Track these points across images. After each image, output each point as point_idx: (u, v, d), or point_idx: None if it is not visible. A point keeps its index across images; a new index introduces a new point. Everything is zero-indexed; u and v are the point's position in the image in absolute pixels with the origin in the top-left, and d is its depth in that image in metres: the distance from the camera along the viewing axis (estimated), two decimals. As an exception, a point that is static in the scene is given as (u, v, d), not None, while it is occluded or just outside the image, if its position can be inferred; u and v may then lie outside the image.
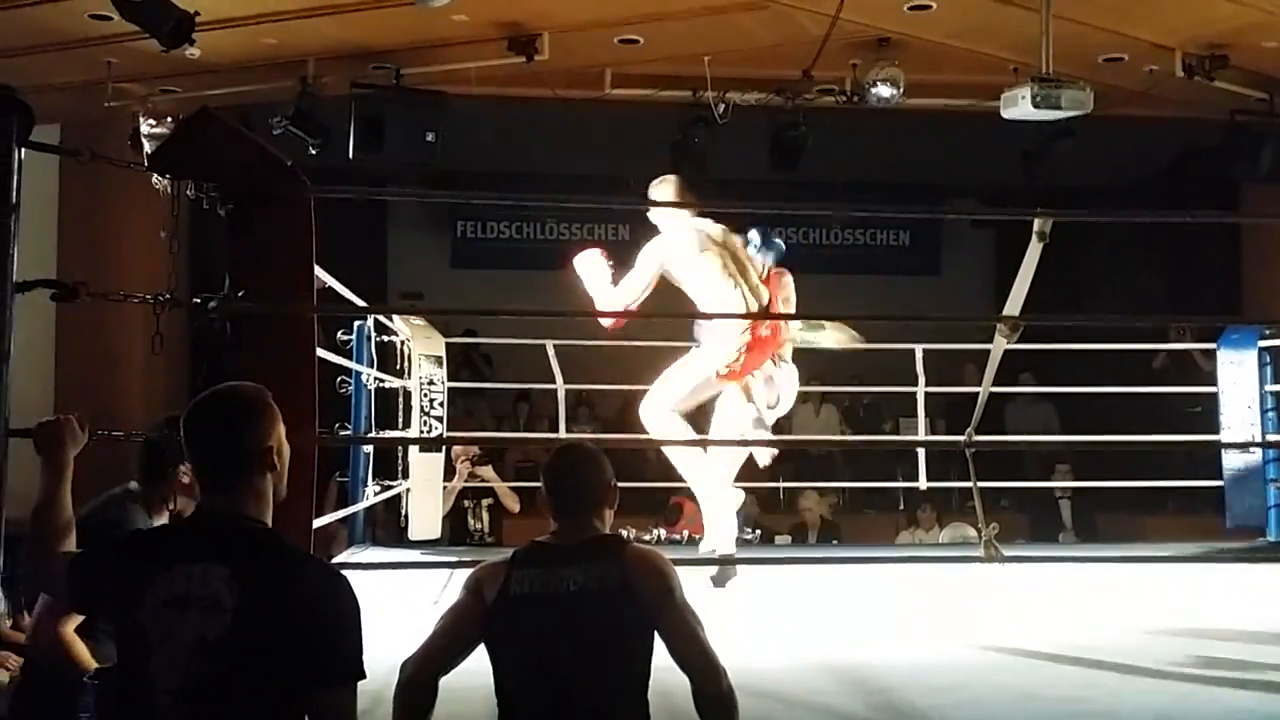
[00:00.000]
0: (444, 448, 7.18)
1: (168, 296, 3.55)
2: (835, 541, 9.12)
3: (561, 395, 7.78)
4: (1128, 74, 8.55)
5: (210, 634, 2.08)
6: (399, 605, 4.46)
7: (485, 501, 7.75)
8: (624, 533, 4.63)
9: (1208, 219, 7.80)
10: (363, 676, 2.15)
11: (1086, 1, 7.30)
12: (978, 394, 4.86)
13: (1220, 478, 7.51)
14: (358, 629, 2.17)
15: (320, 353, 5.39)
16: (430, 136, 8.10)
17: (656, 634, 2.54)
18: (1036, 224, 3.90)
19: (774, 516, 9.87)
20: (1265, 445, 7.04)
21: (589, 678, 2.50)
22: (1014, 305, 4.17)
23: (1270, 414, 7.20)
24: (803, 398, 11.37)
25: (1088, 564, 6.57)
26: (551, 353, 7.72)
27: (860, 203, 12.35)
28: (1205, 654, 4.44)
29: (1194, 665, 4.25)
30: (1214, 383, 7.46)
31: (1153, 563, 6.37)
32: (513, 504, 7.90)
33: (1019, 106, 7.29)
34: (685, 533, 8.39)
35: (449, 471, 7.36)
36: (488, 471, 7.76)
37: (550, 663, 2.51)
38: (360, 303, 6.63)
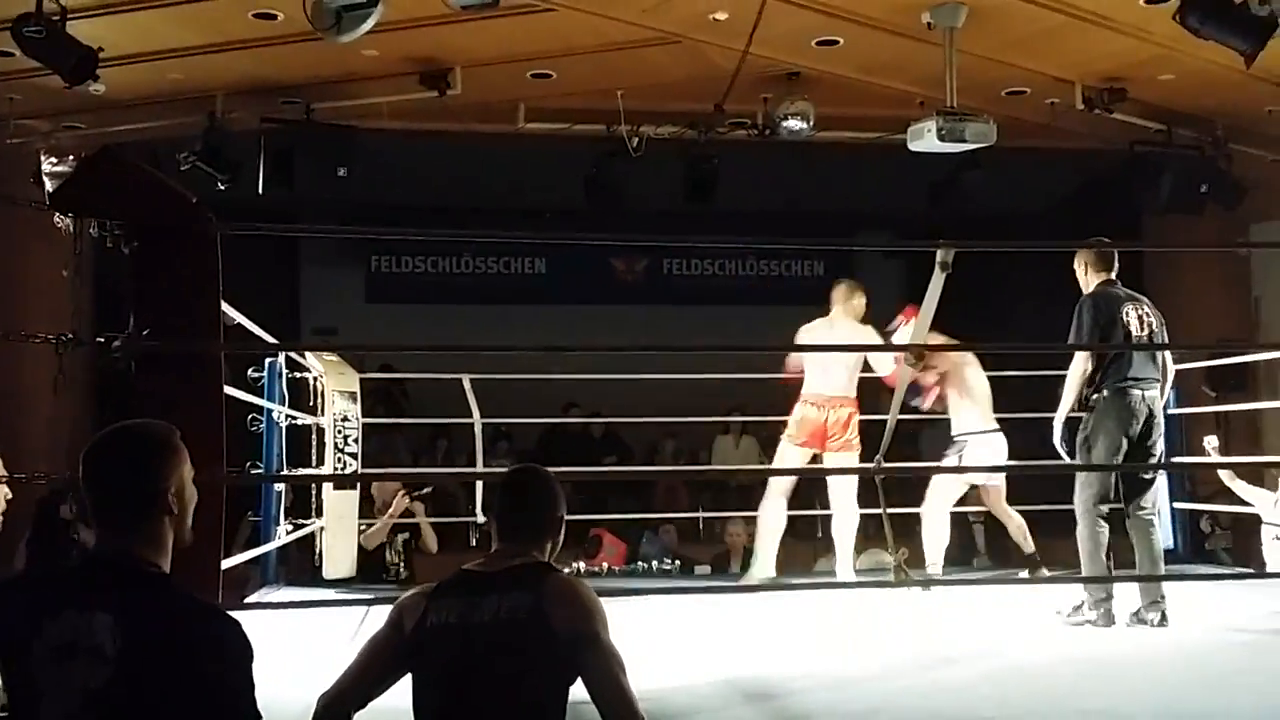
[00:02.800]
0: (359, 485, 7.10)
1: (70, 336, 3.49)
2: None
3: (479, 429, 7.73)
4: (1030, 107, 8.77)
5: (93, 683, 2.03)
6: (314, 645, 4.40)
7: (401, 537, 7.66)
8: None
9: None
10: (258, 717, 2.11)
11: (989, 36, 7.48)
12: (895, 422, 4.97)
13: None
14: (247, 673, 2.12)
15: (230, 391, 5.33)
16: (342, 171, 8.04)
17: (578, 673, 2.49)
18: (939, 254, 3.98)
19: (694, 547, 9.89)
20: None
21: (501, 711, 2.46)
22: (919, 334, 4.24)
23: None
24: (722, 429, 11.51)
25: (996, 586, 6.68)
26: (468, 386, 7.67)
27: (774, 234, 12.48)
28: (1110, 671, 4.54)
29: (1101, 683, 4.33)
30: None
31: (1059, 584, 6.49)
32: (432, 544, 7.82)
33: (925, 139, 7.45)
34: (605, 565, 8.39)
35: (363, 504, 7.29)
36: (419, 507, 7.68)
37: (463, 695, 2.46)
38: (271, 340, 6.54)
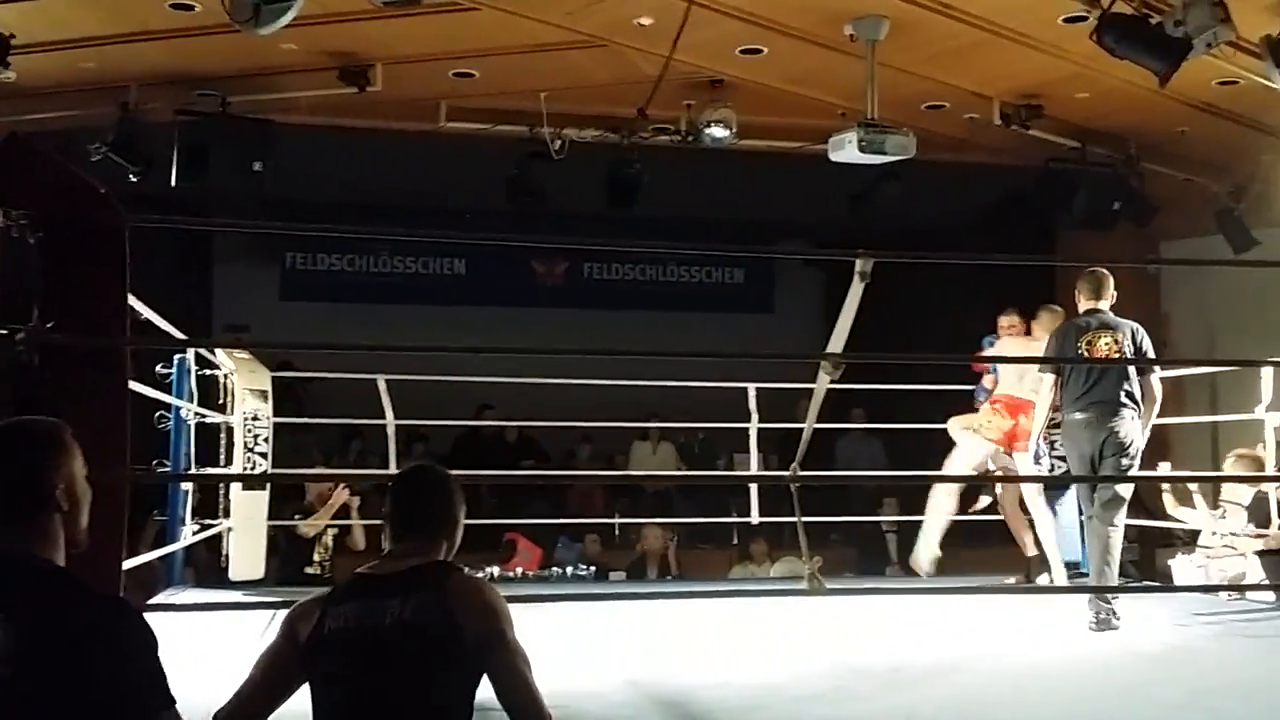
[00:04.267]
0: (268, 485, 6.96)
1: (-31, 328, 3.36)
2: (670, 577, 9.15)
3: (392, 431, 7.62)
4: (949, 121, 8.89)
5: None
6: (216, 648, 4.28)
7: (332, 532, 7.53)
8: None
9: (1014, 261, 8.20)
10: (171, 702, 2.07)
11: (910, 50, 7.57)
12: (811, 430, 4.98)
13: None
14: (149, 663, 2.08)
15: (137, 387, 5.19)
16: (257, 166, 7.89)
17: (485, 673, 2.45)
18: (858, 264, 3.99)
19: (610, 553, 9.87)
20: (1073, 480, 7.31)
21: (406, 715, 2.39)
22: (837, 343, 4.25)
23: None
24: (640, 434, 11.50)
25: (906, 595, 6.75)
26: (383, 387, 7.56)
27: (695, 241, 12.50)
28: (1015, 681, 4.59)
29: (1005, 693, 4.38)
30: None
31: (965, 594, 6.58)
32: (360, 541, 7.71)
33: (846, 150, 7.51)
34: (519, 570, 8.33)
35: (285, 500, 7.18)
36: (355, 502, 7.57)
37: (366, 701, 2.40)
38: (181, 336, 6.39)
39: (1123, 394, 5.80)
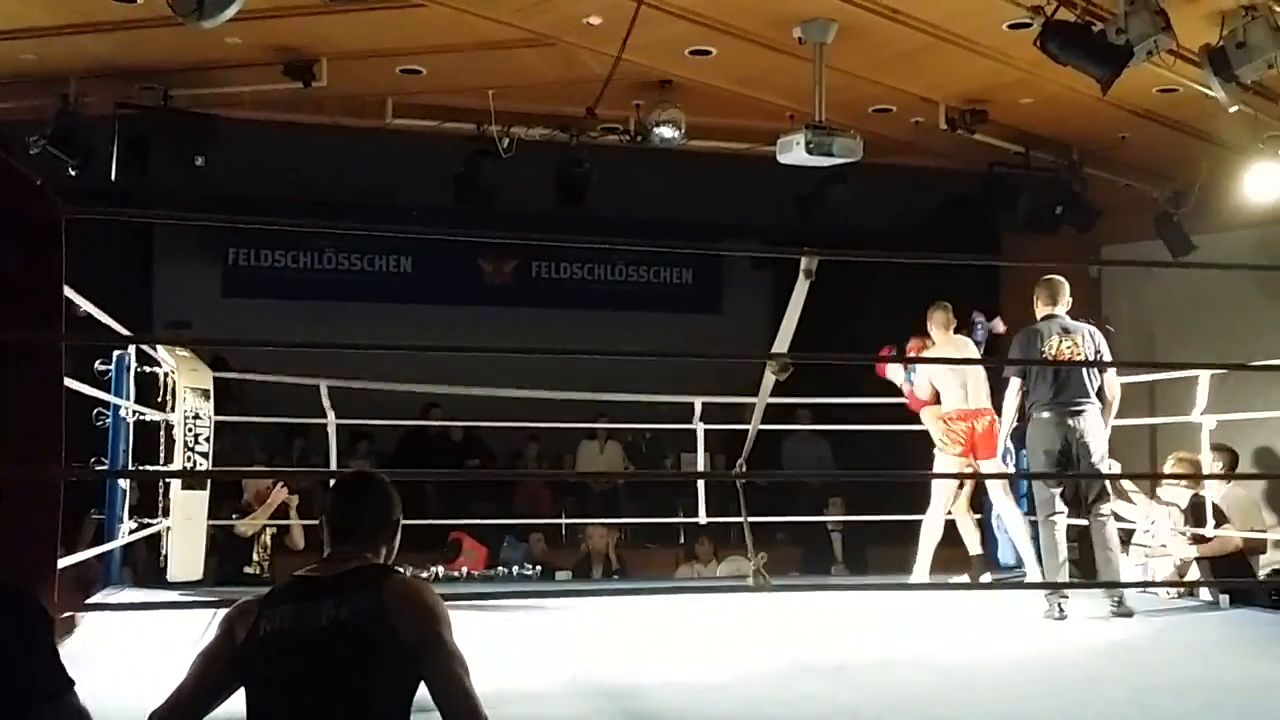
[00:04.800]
0: (209, 485, 6.86)
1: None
2: (616, 575, 9.14)
3: (333, 430, 7.54)
4: (896, 124, 8.95)
5: None
6: (153, 648, 4.22)
7: (270, 531, 7.44)
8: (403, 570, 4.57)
9: (960, 260, 8.31)
10: (71, 684, 2.10)
11: (858, 54, 7.60)
12: (757, 430, 5.01)
13: (980, 511, 7.91)
14: (47, 642, 2.11)
15: (74, 384, 5.11)
16: (200, 160, 7.77)
17: (421, 675, 2.41)
18: (803, 262, 4.01)
19: (556, 552, 9.84)
20: (1021, 476, 7.40)
21: (338, 717, 2.36)
22: (782, 343, 4.27)
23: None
24: (588, 434, 11.49)
25: (850, 592, 6.81)
26: (324, 388, 7.48)
27: (643, 241, 12.50)
28: (959, 678, 4.63)
29: (950, 689, 4.42)
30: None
31: (908, 590, 6.64)
32: (299, 540, 7.63)
33: (794, 152, 7.53)
34: (464, 569, 8.28)
35: (224, 500, 7.07)
36: (294, 500, 7.48)
37: (299, 703, 2.37)
38: (122, 331, 6.29)
39: (1090, 393, 6.13)
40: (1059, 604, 5.97)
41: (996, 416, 6.92)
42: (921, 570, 7.06)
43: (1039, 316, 6.32)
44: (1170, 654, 5.31)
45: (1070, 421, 6.05)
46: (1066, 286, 6.35)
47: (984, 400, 7.09)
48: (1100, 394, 6.20)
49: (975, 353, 7.44)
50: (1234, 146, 8.44)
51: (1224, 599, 6.52)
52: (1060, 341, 6.21)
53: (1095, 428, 6.12)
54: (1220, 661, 5.11)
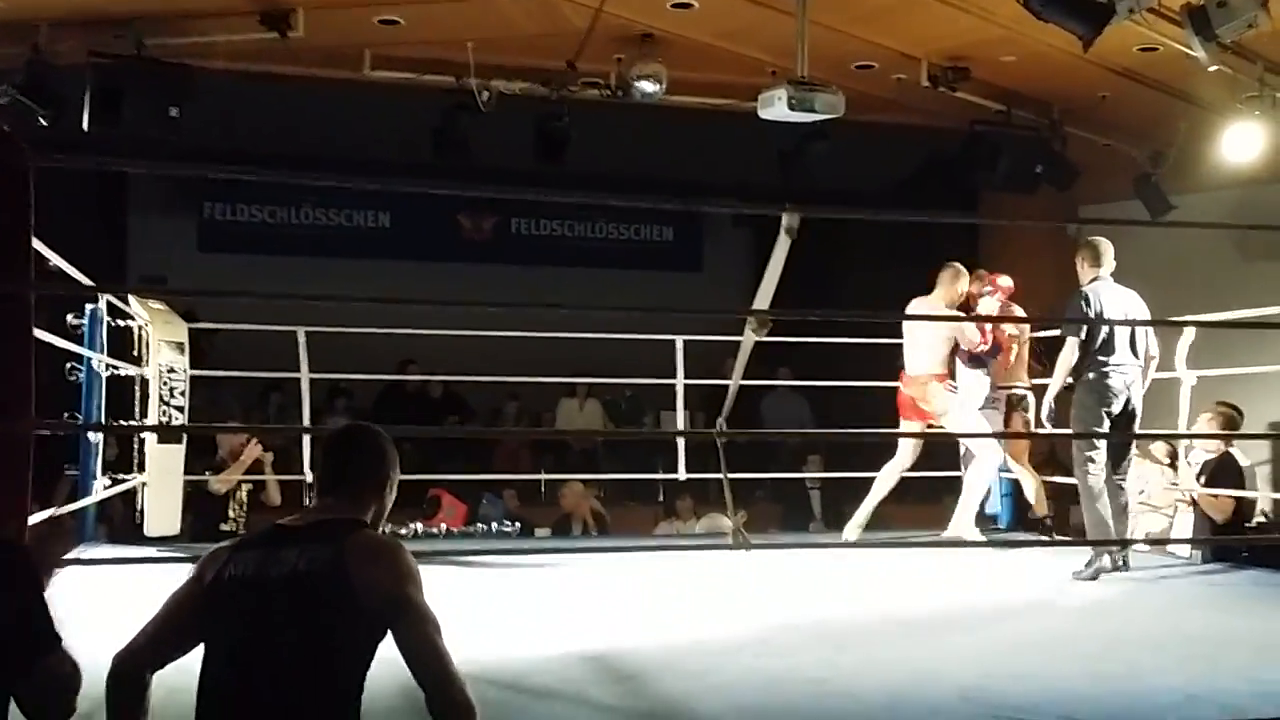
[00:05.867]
0: (185, 439, 6.82)
1: None
2: (595, 533, 9.15)
3: (306, 385, 7.49)
4: (878, 81, 8.91)
5: None
6: (128, 604, 4.19)
7: (246, 487, 7.41)
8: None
9: (940, 219, 8.32)
10: (58, 640, 2.17)
11: (840, 10, 7.55)
12: (737, 387, 5.00)
13: (959, 469, 7.93)
14: (38, 594, 2.17)
15: (47, 337, 5.06)
16: (174, 111, 7.66)
17: (390, 633, 2.36)
18: (784, 220, 3.98)
19: (536, 510, 9.84)
20: (1002, 435, 7.42)
21: (286, 670, 2.31)
22: (763, 299, 4.25)
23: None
24: (567, 391, 11.48)
25: (830, 550, 6.83)
26: (302, 340, 7.42)
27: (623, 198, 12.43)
28: (937, 633, 4.66)
29: (927, 644, 4.45)
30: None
31: (887, 548, 6.68)
32: (276, 496, 7.59)
33: (775, 107, 7.46)
34: (443, 526, 8.27)
35: (200, 455, 7.03)
36: (268, 457, 7.44)
37: (252, 650, 2.33)
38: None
39: (1140, 355, 6.14)
40: (1110, 559, 5.96)
41: (941, 380, 6.99)
42: (854, 527, 7.12)
43: (1085, 280, 6.21)
44: (1147, 609, 5.36)
45: (1128, 383, 6.05)
46: (1111, 248, 6.27)
47: (923, 367, 7.06)
48: (1143, 355, 6.20)
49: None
50: (1212, 107, 8.44)
51: (1196, 555, 6.58)
52: (1119, 303, 6.13)
53: (1139, 389, 6.16)
54: (1195, 616, 5.16)
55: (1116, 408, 6.03)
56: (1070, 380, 6.15)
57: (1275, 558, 7.00)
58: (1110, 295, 6.13)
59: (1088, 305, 6.08)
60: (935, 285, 7.14)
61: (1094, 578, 5.89)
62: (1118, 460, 6.15)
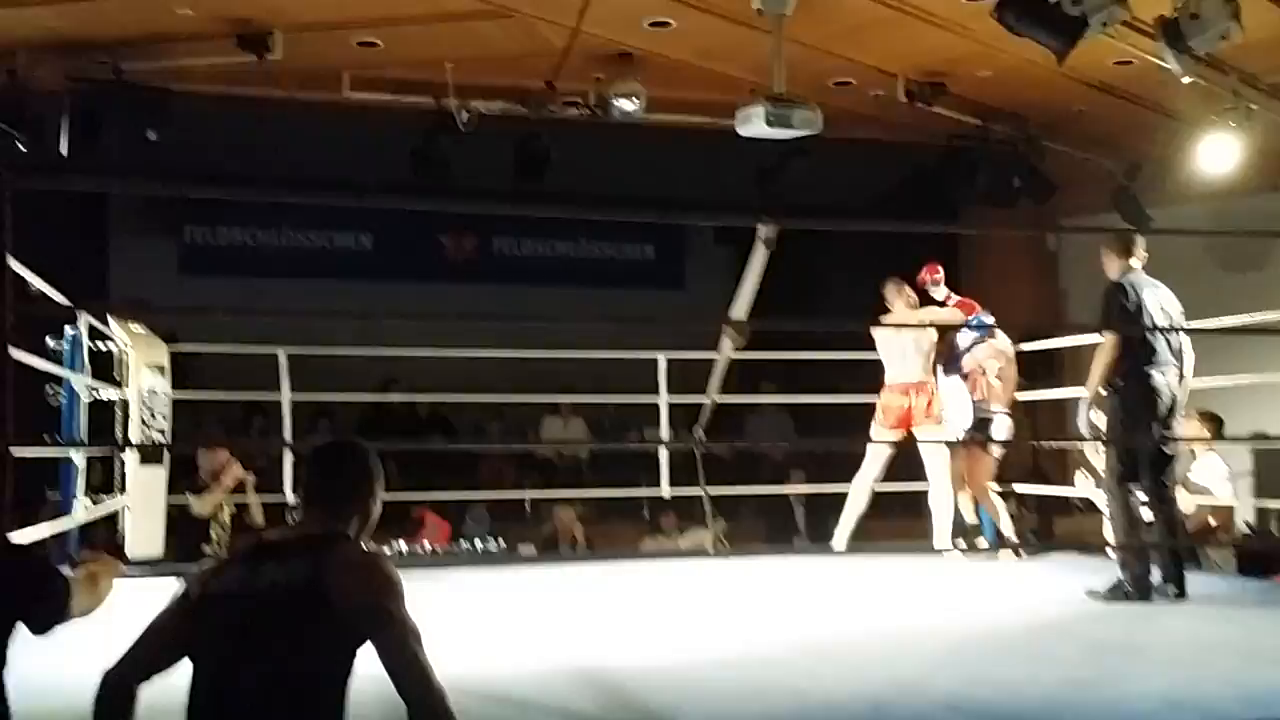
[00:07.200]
0: (167, 461, 6.79)
1: None
2: (578, 549, 9.14)
3: (287, 406, 7.47)
4: (856, 98, 8.96)
5: None
6: (109, 624, 4.17)
7: (228, 509, 7.37)
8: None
9: (916, 229, 8.39)
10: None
11: (817, 26, 7.60)
12: (714, 400, 5.03)
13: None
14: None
15: (26, 358, 5.04)
16: (152, 135, 7.67)
17: (371, 645, 2.36)
18: (761, 231, 4.01)
19: (521, 529, 9.81)
20: (1000, 442, 7.44)
21: (271, 683, 2.32)
22: (740, 310, 4.27)
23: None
24: (551, 409, 11.47)
25: (813, 562, 6.84)
26: (283, 361, 7.41)
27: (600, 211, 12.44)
28: (919, 644, 4.67)
29: (909, 655, 4.45)
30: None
31: (866, 555, 6.72)
32: (259, 516, 7.55)
33: (754, 124, 7.49)
34: (427, 544, 8.25)
35: (182, 477, 7.00)
36: (250, 479, 7.40)
37: (233, 665, 2.34)
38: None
39: (1175, 355, 5.64)
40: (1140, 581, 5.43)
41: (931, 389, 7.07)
42: (841, 536, 7.13)
43: (1115, 274, 5.71)
44: (1130, 616, 5.36)
45: (1174, 383, 5.55)
46: (1141, 238, 5.85)
47: (920, 374, 7.13)
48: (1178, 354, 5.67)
49: (941, 319, 7.45)
50: (1188, 119, 8.50)
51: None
52: (1153, 296, 5.63)
53: (1183, 392, 5.66)
54: (1179, 624, 5.17)
55: (1164, 410, 5.52)
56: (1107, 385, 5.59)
57: (1259, 566, 7.06)
58: (1149, 289, 5.64)
59: (1126, 298, 5.55)
60: (889, 306, 7.29)
61: (1136, 598, 5.39)
62: (1159, 469, 5.59)
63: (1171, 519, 5.68)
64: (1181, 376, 5.65)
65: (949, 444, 7.13)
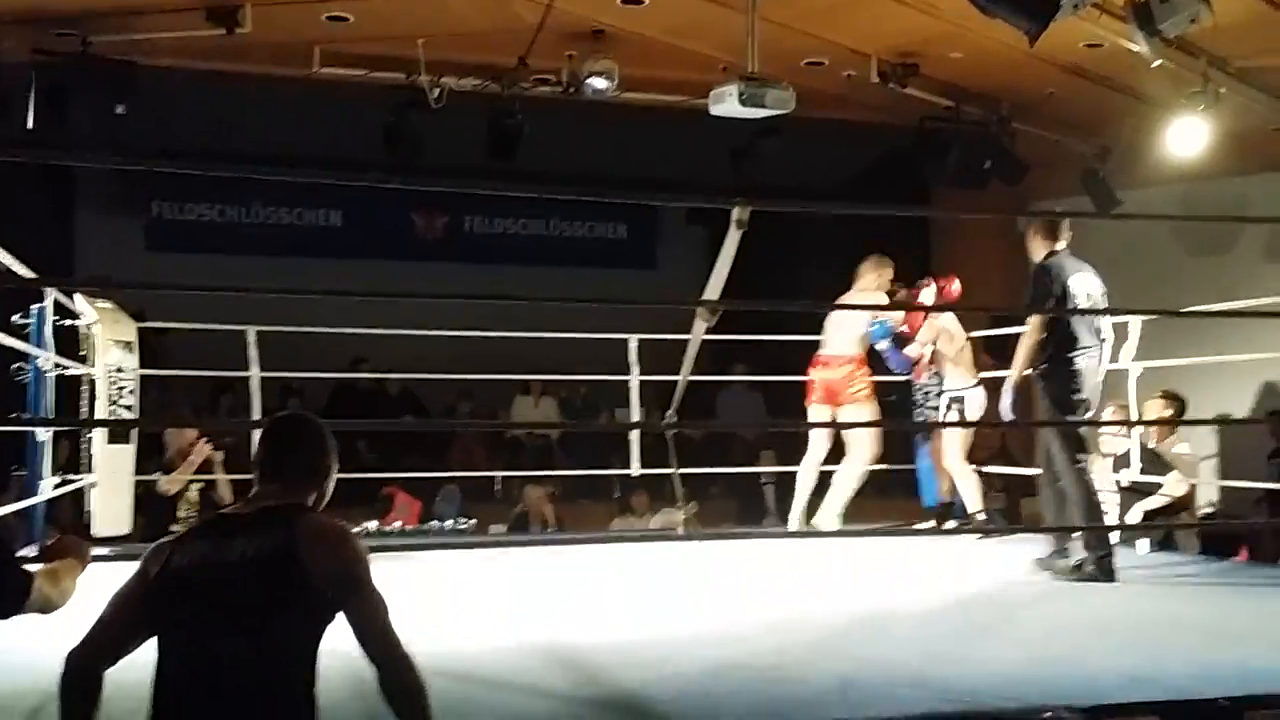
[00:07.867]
0: (135, 439, 6.74)
1: None
2: (550, 530, 9.16)
3: (256, 384, 7.43)
4: (828, 78, 8.97)
5: None
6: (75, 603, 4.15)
7: (197, 487, 7.33)
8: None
9: (889, 211, 8.44)
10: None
11: (790, 5, 7.60)
12: (687, 379, 5.03)
13: (913, 462, 8.04)
14: None
15: (-11, 335, 4.99)
16: (120, 109, 7.59)
17: (341, 617, 2.37)
18: (735, 212, 4.02)
19: (491, 508, 9.82)
20: (971, 425, 7.49)
21: (242, 655, 2.31)
22: (713, 290, 4.28)
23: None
24: (522, 389, 11.46)
25: (781, 542, 6.87)
26: (252, 339, 7.36)
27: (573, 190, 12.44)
28: (886, 622, 4.71)
29: (877, 632, 4.49)
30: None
31: (834, 537, 6.74)
32: (227, 494, 7.52)
33: (727, 103, 7.49)
34: (398, 524, 8.25)
35: (150, 455, 6.96)
36: (218, 456, 7.36)
37: (203, 640, 2.33)
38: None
39: (1095, 338, 5.68)
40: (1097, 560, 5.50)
41: (860, 366, 7.10)
42: (794, 517, 7.15)
43: (1039, 255, 5.68)
44: (1095, 595, 5.41)
45: (1098, 366, 5.63)
46: (1066, 221, 5.85)
47: (841, 348, 7.16)
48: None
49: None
50: (1157, 102, 8.56)
51: (1143, 544, 6.67)
52: (1079, 278, 5.63)
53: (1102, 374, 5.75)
54: (1144, 604, 5.22)
55: (1088, 393, 5.60)
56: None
57: (1223, 545, 7.16)
58: (1074, 271, 5.64)
59: (1051, 279, 5.55)
60: (857, 278, 7.29)
61: (1099, 577, 5.44)
62: (1077, 449, 5.68)
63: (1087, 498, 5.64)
64: (1102, 359, 5.71)
65: (928, 425, 7.16)
